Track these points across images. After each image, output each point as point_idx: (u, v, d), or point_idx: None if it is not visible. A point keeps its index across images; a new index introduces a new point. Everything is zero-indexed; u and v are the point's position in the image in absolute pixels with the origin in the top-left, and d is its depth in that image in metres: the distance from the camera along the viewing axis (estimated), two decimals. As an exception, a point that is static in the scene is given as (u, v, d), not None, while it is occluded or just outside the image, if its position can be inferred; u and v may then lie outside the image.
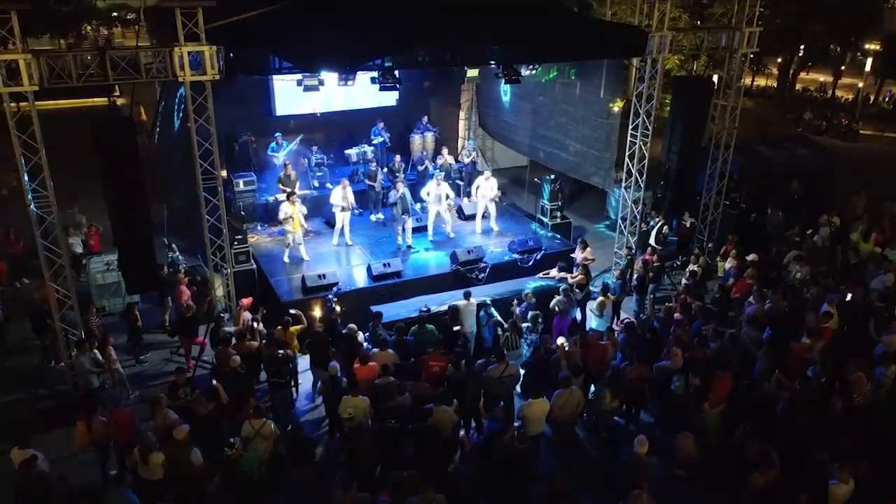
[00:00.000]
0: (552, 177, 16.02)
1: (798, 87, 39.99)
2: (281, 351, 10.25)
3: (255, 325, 11.10)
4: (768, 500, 7.89)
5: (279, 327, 11.07)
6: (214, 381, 9.51)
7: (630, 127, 14.10)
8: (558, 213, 16.21)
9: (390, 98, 18.08)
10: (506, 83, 13.05)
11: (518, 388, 10.36)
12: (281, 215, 13.77)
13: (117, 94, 16.34)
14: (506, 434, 8.67)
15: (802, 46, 35.66)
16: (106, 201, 10.37)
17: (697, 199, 15.84)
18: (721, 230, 15.79)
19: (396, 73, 11.46)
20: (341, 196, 14.25)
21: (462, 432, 9.32)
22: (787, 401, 9.22)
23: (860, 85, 36.24)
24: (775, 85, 39.82)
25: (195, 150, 10.51)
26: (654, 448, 8.21)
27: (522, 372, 10.30)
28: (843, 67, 39.75)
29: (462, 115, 20.48)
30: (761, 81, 42.07)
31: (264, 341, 10.73)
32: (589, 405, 9.83)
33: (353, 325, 10.83)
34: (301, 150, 16.88)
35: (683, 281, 13.46)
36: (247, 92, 15.64)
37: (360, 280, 13.37)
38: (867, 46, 39.79)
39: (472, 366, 10.00)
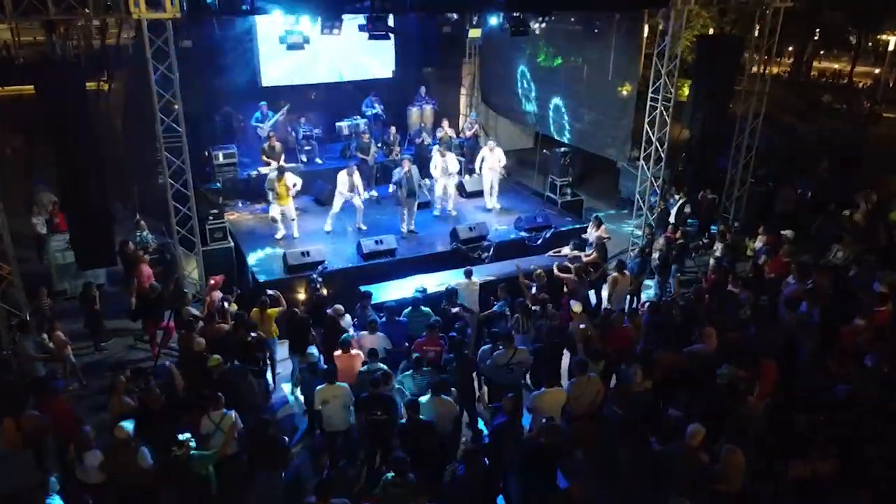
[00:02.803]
0: (563, 150, 14.62)
1: (812, 73, 38.57)
2: (253, 334, 8.86)
3: (225, 305, 9.70)
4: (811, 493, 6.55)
5: (255, 309, 9.70)
6: (168, 363, 8.10)
7: (650, 90, 12.68)
8: (568, 190, 14.81)
9: (386, 69, 16.87)
10: (512, 35, 11.62)
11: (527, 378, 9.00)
12: (267, 185, 12.41)
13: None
14: (514, 428, 7.31)
15: (818, 30, 34.30)
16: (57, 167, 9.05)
17: (720, 175, 14.45)
18: (748, 208, 14.36)
19: (390, 19, 10.08)
20: (346, 183, 12.80)
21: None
22: (845, 391, 7.83)
23: (876, 71, 34.96)
24: (788, 71, 38.39)
25: (155, 103, 9.10)
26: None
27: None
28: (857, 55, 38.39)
29: (463, 90, 19.09)
30: (773, 69, 40.54)
31: (235, 324, 9.34)
32: (615, 392, 8.40)
33: (339, 307, 9.44)
34: (288, 121, 15.50)
35: (711, 261, 12.03)
36: (230, 62, 14.60)
37: (350, 258, 11.97)
38: (881, 37, 38.54)
39: (467, 349, 8.58)
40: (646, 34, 13.43)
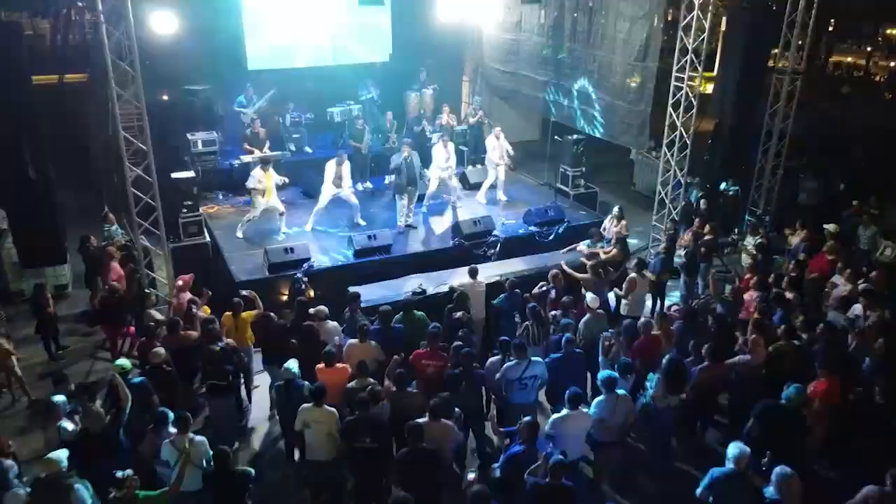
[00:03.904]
0: (575, 137, 13.33)
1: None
2: (221, 343, 7.58)
3: (193, 309, 8.41)
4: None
5: (227, 313, 8.43)
6: (112, 374, 6.83)
7: (675, 67, 11.38)
8: (581, 182, 13.53)
9: (383, 52, 15.66)
10: (522, 2, 10.31)
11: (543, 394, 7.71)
12: (251, 182, 11.14)
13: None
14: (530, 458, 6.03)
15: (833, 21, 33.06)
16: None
17: (742, 165, 13.18)
18: (779, 200, 13.07)
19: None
20: (333, 173, 11.48)
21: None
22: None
23: (892, 64, 33.60)
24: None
25: (109, 72, 7.80)
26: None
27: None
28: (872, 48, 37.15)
29: (466, 77, 17.80)
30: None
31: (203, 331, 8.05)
32: (643, 411, 7.13)
33: (322, 308, 8.15)
34: (275, 106, 14.22)
35: (744, 258, 10.75)
36: (214, 44, 13.55)
37: (340, 256, 10.70)
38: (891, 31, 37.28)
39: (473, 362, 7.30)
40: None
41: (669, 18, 14.29)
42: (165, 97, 14.13)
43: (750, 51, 11.52)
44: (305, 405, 6.48)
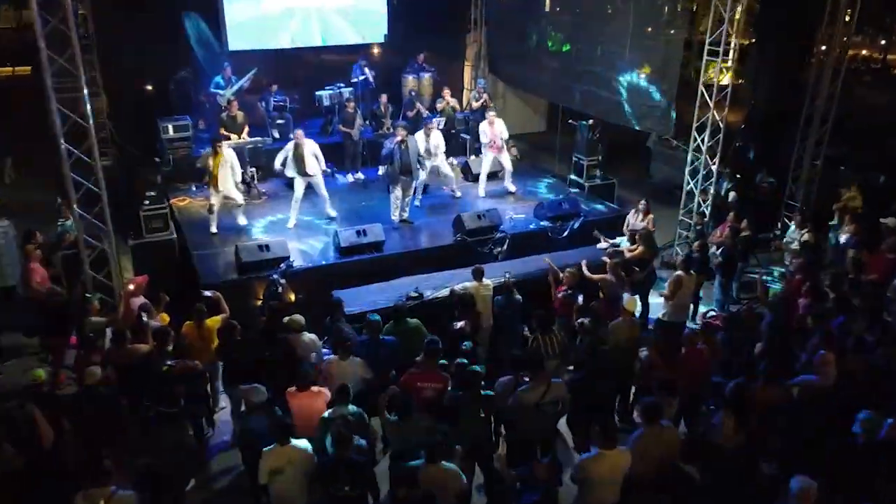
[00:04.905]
0: (590, 122, 11.96)
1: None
2: (170, 362, 6.22)
3: (144, 317, 7.04)
4: None
5: (189, 322, 7.09)
6: (25, 404, 5.47)
7: (707, 42, 10.02)
8: (597, 172, 12.16)
9: (377, 33, 14.36)
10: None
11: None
12: (199, 163, 9.90)
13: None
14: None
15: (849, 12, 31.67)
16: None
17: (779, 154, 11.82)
18: (820, 193, 11.70)
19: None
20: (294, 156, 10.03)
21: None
22: None
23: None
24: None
25: (37, 27, 6.40)
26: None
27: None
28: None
29: (468, 61, 16.43)
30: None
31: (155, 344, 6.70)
32: (689, 448, 5.72)
33: (297, 317, 6.80)
34: (257, 89, 12.87)
35: (787, 257, 9.39)
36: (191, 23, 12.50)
37: (324, 254, 9.34)
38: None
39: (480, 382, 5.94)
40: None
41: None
42: (149, 87, 12.96)
43: (790, 23, 10.14)
44: (267, 448, 5.12)
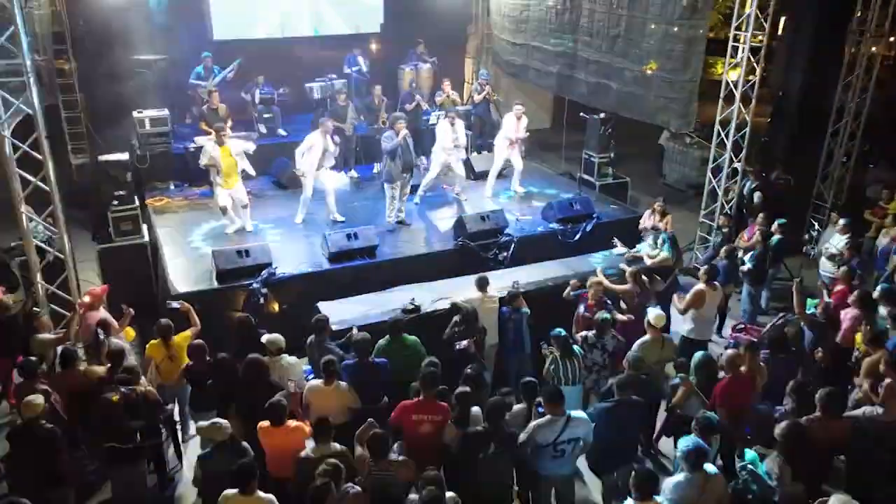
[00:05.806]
0: (602, 115, 11.07)
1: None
2: (126, 388, 5.31)
3: (100, 335, 6.13)
4: None
5: (154, 340, 6.19)
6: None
7: (733, 27, 9.13)
8: (609, 170, 11.26)
9: (373, 23, 13.51)
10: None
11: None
12: (203, 159, 8.91)
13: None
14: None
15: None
16: None
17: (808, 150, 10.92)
18: (850, 193, 10.82)
19: None
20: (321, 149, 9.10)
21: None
22: None
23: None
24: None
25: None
26: None
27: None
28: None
29: (469, 54, 15.53)
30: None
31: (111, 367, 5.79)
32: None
33: (275, 337, 5.89)
34: (242, 81, 11.96)
35: (824, 263, 8.48)
36: (174, 11, 11.64)
37: (311, 260, 8.43)
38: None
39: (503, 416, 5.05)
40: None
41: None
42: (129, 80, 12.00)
43: (824, 8, 9.26)
44: (228, 492, 4.23)
